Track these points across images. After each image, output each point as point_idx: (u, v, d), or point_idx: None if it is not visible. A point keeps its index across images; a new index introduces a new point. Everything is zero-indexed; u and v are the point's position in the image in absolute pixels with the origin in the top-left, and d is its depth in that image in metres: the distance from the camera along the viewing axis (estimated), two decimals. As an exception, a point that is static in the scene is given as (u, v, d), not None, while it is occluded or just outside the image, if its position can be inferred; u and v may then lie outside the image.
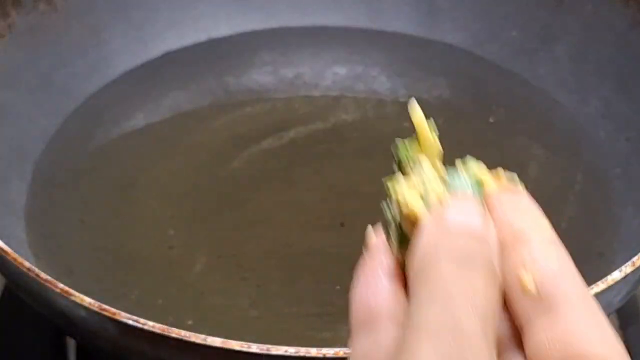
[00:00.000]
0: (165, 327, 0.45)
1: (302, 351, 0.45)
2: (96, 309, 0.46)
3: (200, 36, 0.77)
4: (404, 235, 0.31)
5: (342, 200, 0.64)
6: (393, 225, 0.32)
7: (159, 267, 0.60)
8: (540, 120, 0.71)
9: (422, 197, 0.32)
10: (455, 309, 0.27)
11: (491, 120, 0.71)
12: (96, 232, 0.62)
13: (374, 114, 0.72)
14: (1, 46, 0.67)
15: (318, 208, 0.64)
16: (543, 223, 0.31)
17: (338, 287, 0.59)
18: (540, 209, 0.32)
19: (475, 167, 0.33)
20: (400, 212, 0.32)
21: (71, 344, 0.62)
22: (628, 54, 0.69)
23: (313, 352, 0.45)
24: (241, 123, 0.71)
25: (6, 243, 0.51)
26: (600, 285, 0.48)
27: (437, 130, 0.35)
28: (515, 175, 0.33)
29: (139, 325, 0.46)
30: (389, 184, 0.33)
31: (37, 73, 0.69)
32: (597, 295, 0.48)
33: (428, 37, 0.78)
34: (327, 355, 0.45)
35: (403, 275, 0.31)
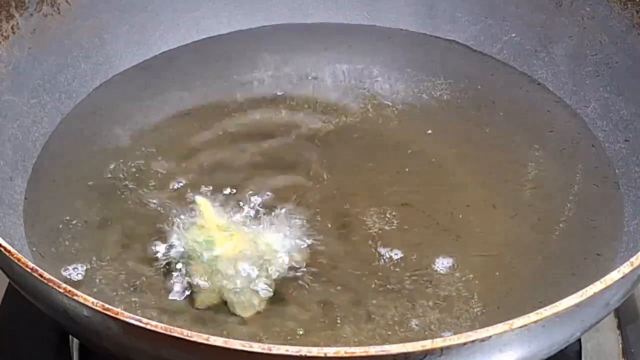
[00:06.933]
0: (167, 326, 0.45)
1: (304, 350, 0.45)
2: (99, 309, 0.47)
3: (201, 36, 0.78)
4: None
5: (343, 200, 0.65)
6: None
7: (162, 266, 0.60)
8: (540, 121, 0.71)
9: None
10: None
11: (491, 120, 0.71)
12: (98, 232, 0.62)
13: (375, 114, 0.72)
14: (5, 48, 0.67)
15: (319, 208, 0.64)
16: None
17: (339, 287, 0.59)
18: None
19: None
20: None
21: (74, 343, 0.63)
22: (627, 55, 0.69)
23: (314, 351, 0.45)
24: (242, 123, 0.71)
25: (8, 243, 0.51)
26: (598, 286, 0.48)
27: None
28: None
29: (142, 325, 0.46)
30: None
31: (40, 74, 0.69)
32: (596, 295, 0.48)
33: (429, 38, 0.78)
34: (328, 355, 0.45)
35: None
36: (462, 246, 0.62)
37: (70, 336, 0.62)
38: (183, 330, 0.45)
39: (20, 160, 0.66)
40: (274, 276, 0.59)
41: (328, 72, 0.76)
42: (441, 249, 0.61)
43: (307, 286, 0.59)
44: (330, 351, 0.45)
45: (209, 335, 0.45)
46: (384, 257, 0.61)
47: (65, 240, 0.62)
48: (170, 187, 0.65)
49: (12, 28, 0.68)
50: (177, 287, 0.58)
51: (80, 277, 0.59)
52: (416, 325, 0.57)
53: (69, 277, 0.59)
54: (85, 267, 0.60)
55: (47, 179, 0.66)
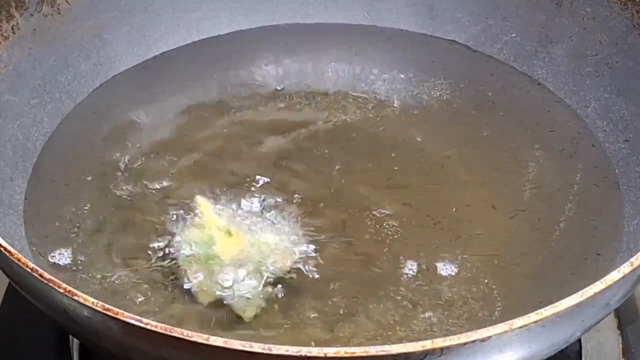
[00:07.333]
0: (167, 326, 0.45)
1: (304, 351, 0.45)
2: (99, 309, 0.47)
3: (201, 36, 0.78)
4: None
5: (343, 200, 0.65)
6: None
7: (162, 266, 0.60)
8: (540, 121, 0.71)
9: None
10: None
11: (491, 120, 0.71)
12: (98, 232, 0.62)
13: (374, 114, 0.72)
14: (5, 48, 0.67)
15: (318, 209, 0.64)
16: None
17: (339, 287, 0.59)
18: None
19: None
20: None
21: (74, 343, 0.63)
22: (627, 55, 0.69)
23: (314, 351, 0.45)
24: (241, 124, 0.71)
25: (8, 243, 0.51)
26: (598, 286, 0.48)
27: None
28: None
29: (142, 325, 0.46)
30: None
31: (40, 74, 0.69)
32: (596, 295, 0.48)
33: (429, 38, 0.78)
34: (328, 355, 0.45)
35: None
36: (462, 246, 0.62)
37: (70, 336, 0.62)
38: (183, 330, 0.45)
39: (20, 160, 0.66)
40: (274, 276, 0.59)
41: (328, 72, 0.76)
42: (441, 249, 0.61)
43: (307, 286, 0.59)
44: (330, 351, 0.45)
45: (209, 335, 0.45)
46: (384, 258, 0.61)
47: (65, 240, 0.62)
48: (171, 187, 0.65)
49: (12, 28, 0.68)
50: (177, 287, 0.58)
51: (78, 277, 0.59)
52: (416, 325, 0.57)
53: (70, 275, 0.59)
54: (84, 267, 0.60)
55: (47, 179, 0.66)
